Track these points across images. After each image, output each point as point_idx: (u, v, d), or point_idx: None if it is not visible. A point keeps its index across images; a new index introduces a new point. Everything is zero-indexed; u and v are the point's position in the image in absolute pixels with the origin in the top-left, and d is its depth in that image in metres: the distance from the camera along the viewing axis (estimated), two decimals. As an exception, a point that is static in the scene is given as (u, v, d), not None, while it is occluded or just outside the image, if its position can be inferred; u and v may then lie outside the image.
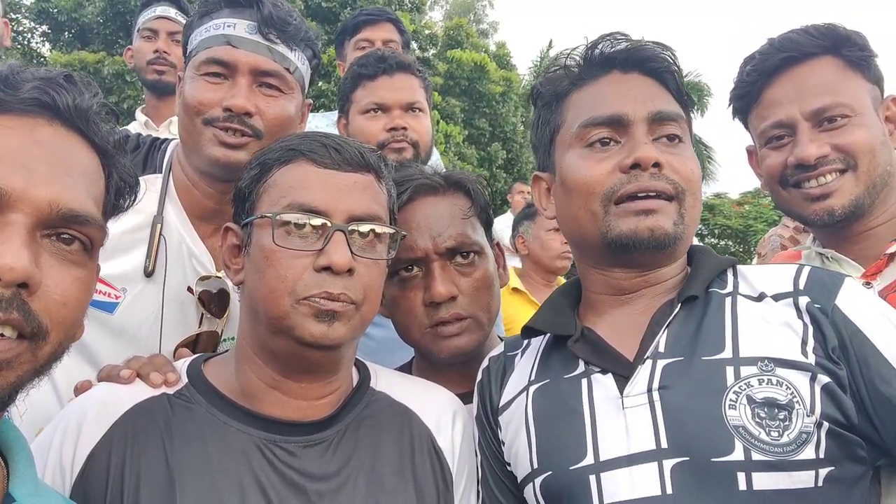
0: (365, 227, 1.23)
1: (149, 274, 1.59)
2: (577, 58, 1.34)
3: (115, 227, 1.53)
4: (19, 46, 14.85)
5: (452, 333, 1.51)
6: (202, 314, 1.65)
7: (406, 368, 1.73)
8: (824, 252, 1.67)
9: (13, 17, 14.29)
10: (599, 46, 1.32)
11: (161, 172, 1.69)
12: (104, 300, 1.57)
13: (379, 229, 1.26)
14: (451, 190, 1.59)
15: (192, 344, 1.64)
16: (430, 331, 1.53)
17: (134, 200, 1.05)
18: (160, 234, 1.61)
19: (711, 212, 19.82)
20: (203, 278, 1.62)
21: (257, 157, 1.31)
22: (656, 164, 1.22)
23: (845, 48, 1.61)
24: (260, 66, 1.56)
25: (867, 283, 1.54)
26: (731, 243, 19.88)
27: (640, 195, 1.21)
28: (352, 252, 1.20)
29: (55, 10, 14.24)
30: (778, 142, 1.65)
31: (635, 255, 1.24)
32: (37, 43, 15.71)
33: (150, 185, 1.65)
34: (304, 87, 1.69)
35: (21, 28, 15.07)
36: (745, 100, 1.72)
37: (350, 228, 1.21)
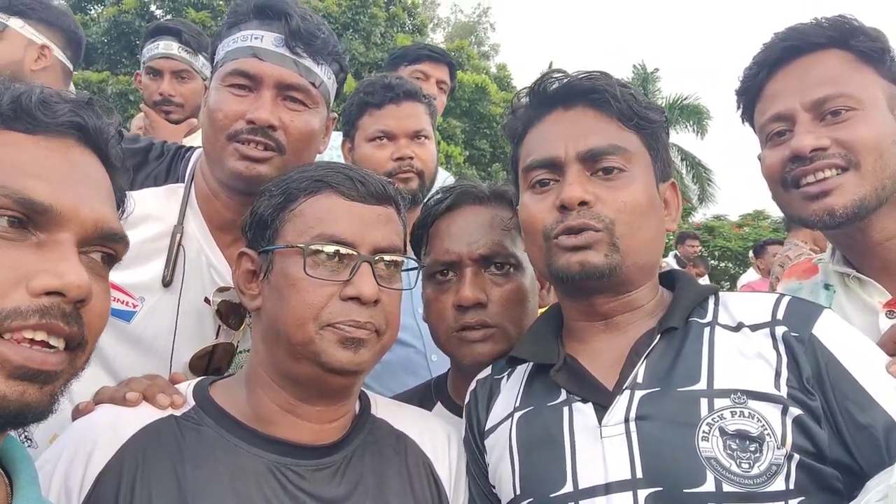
0: (389, 259, 1.27)
1: (167, 284, 1.58)
2: (524, 100, 1.40)
3: (135, 235, 1.53)
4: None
5: (475, 339, 1.52)
6: (219, 326, 1.64)
7: (442, 380, 1.74)
8: (846, 272, 1.58)
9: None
10: (540, 86, 1.37)
11: (183, 181, 1.68)
12: (122, 308, 1.56)
13: (401, 261, 1.30)
14: (496, 201, 1.61)
15: (209, 356, 1.63)
16: (455, 335, 1.54)
17: (123, 214, 1.06)
18: (179, 243, 1.60)
19: (711, 234, 19.86)
20: (221, 289, 1.61)
21: (278, 184, 1.31)
22: (583, 203, 1.25)
23: (855, 40, 1.48)
24: (285, 80, 1.55)
25: (891, 312, 1.46)
26: (730, 265, 19.89)
27: (573, 231, 1.25)
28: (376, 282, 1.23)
29: (60, 30, 14.37)
30: (778, 138, 1.53)
31: (576, 286, 1.28)
32: (41, 62, 15.83)
33: (171, 195, 1.65)
34: (329, 102, 1.68)
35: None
36: (748, 95, 1.62)
37: (376, 259, 1.24)
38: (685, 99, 23.29)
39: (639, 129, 1.33)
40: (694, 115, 23.05)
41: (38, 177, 0.85)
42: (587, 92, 1.32)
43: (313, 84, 1.60)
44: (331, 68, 1.65)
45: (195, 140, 3.06)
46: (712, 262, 18.05)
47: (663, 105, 23.74)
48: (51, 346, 0.83)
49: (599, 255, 1.24)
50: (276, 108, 1.54)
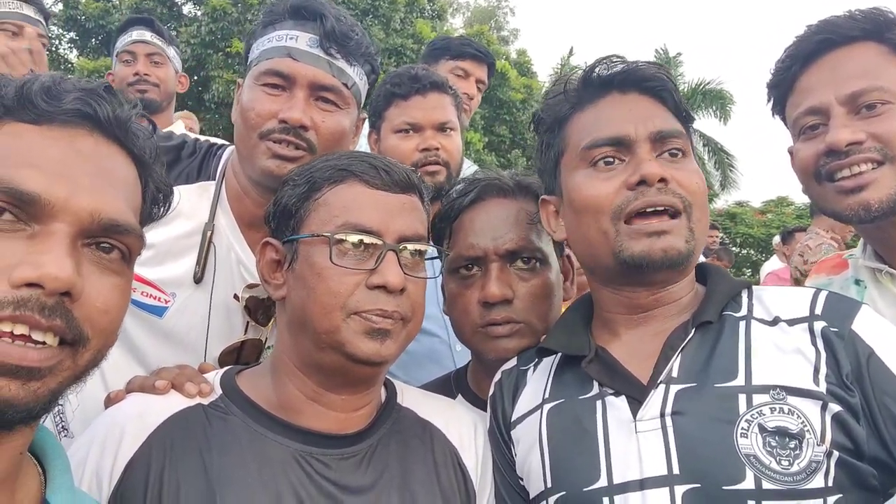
0: (414, 248, 1.27)
1: (198, 280, 1.62)
2: (576, 81, 1.37)
3: (168, 232, 1.59)
4: (48, 53, 15.09)
5: (502, 335, 1.51)
6: (247, 322, 1.66)
7: (462, 373, 1.75)
8: (877, 267, 1.58)
9: (42, 23, 14.50)
10: (597, 69, 1.35)
11: (215, 179, 1.70)
12: (154, 304, 1.59)
13: (426, 249, 1.30)
14: (521, 194, 1.59)
15: (237, 351, 1.65)
16: (481, 330, 1.53)
17: (168, 209, 1.06)
18: (210, 240, 1.62)
19: (733, 220, 19.65)
20: (250, 286, 1.63)
21: (301, 174, 1.32)
22: (662, 180, 1.23)
23: (890, 33, 1.49)
24: (318, 80, 1.57)
25: None
26: (752, 252, 19.70)
27: (649, 211, 1.23)
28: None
29: (83, 18, 14.49)
30: (812, 131, 1.53)
31: (648, 274, 1.26)
32: (64, 49, 15.97)
33: (203, 192, 1.68)
34: (360, 102, 1.70)
35: (49, 34, 15.33)
36: (781, 89, 1.62)
37: (401, 248, 1.25)
38: (708, 84, 22.94)
39: (685, 121, 1.35)
40: (717, 101, 22.71)
41: (33, 166, 0.83)
42: (645, 80, 1.32)
43: (346, 85, 1.61)
44: (363, 69, 1.66)
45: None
46: (734, 249, 17.87)
47: (686, 90, 23.52)
48: (35, 342, 0.80)
49: (681, 241, 1.23)
50: (308, 108, 1.56)
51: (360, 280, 1.21)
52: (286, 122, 1.53)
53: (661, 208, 1.24)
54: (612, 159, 1.28)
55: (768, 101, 1.68)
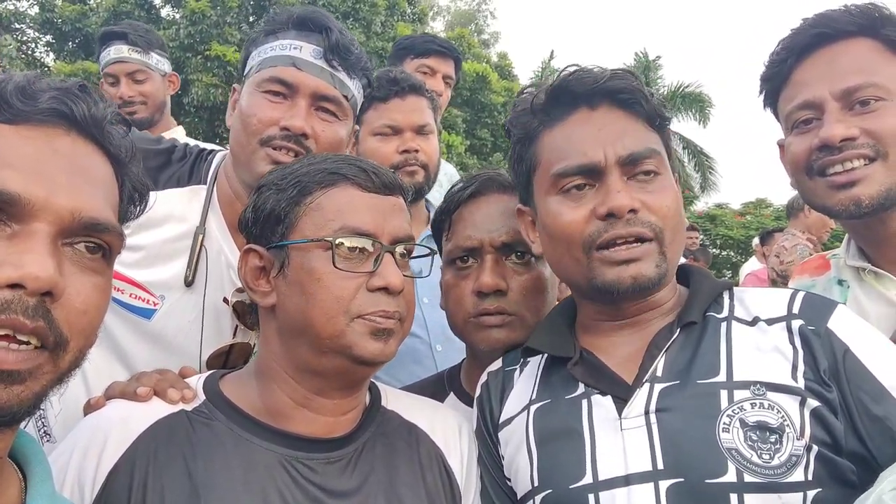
0: (407, 249, 1.29)
1: (188, 283, 1.61)
2: (543, 97, 1.35)
3: (158, 235, 1.60)
4: (24, 56, 14.92)
5: (493, 325, 1.53)
6: (236, 325, 1.65)
7: (455, 372, 1.75)
8: (861, 266, 1.58)
9: (17, 26, 14.35)
10: (564, 84, 1.32)
11: (206, 183, 1.70)
12: (142, 306, 1.59)
13: (416, 250, 1.32)
14: None
15: (225, 355, 1.65)
16: (472, 320, 1.55)
17: (145, 208, 1.05)
18: (201, 244, 1.62)
19: (713, 222, 19.83)
20: (240, 289, 1.61)
21: (285, 178, 1.29)
22: (632, 210, 1.23)
23: (886, 29, 1.49)
24: (321, 91, 1.60)
25: None
26: (732, 253, 19.90)
27: (619, 242, 1.24)
28: None
29: (59, 20, 14.34)
30: (805, 126, 1.53)
31: (620, 300, 1.28)
32: (41, 52, 15.80)
33: (194, 196, 1.67)
34: (356, 114, 1.74)
35: (25, 38, 15.17)
36: (775, 81, 1.61)
37: (396, 249, 1.26)
38: (687, 87, 23.17)
39: (660, 128, 1.33)
40: (696, 103, 22.95)
41: (10, 167, 0.83)
42: (615, 92, 1.30)
43: (346, 97, 1.64)
44: (360, 82, 1.70)
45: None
46: (714, 250, 18.04)
47: (665, 93, 23.75)
48: (20, 342, 0.79)
49: (651, 267, 1.24)
50: (309, 117, 1.58)
51: (360, 283, 1.21)
52: (288, 130, 1.55)
53: (632, 238, 1.24)
54: (582, 185, 1.28)
55: (760, 93, 1.67)
